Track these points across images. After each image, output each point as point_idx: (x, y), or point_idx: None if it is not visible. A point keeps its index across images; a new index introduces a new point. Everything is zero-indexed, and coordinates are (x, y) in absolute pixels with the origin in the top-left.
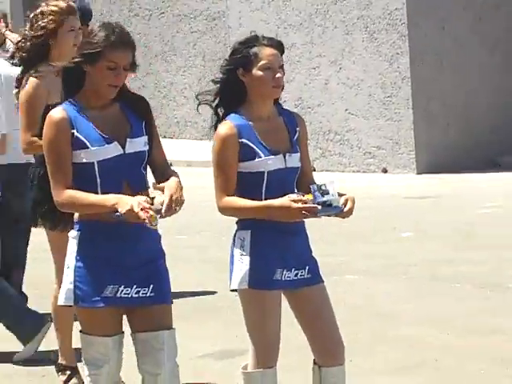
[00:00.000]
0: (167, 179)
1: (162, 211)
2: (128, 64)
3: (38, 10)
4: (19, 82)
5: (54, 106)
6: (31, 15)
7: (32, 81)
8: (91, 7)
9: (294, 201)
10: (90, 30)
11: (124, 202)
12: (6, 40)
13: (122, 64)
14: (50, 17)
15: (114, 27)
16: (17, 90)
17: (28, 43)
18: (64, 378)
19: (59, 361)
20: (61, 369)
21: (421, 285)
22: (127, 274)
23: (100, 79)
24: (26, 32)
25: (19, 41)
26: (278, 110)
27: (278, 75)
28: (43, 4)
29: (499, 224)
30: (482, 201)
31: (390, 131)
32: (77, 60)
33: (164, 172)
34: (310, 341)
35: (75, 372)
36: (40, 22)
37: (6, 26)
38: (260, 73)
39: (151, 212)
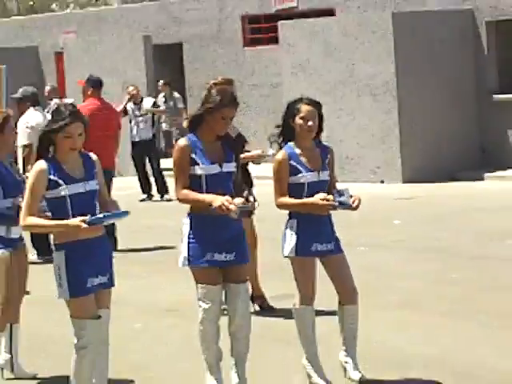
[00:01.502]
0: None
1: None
2: (233, 117)
3: (212, 82)
4: None
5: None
6: (208, 86)
7: None
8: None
9: (321, 199)
10: (210, 93)
11: (217, 200)
12: (143, 102)
13: (229, 116)
14: (219, 86)
15: (227, 91)
16: None
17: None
18: (257, 303)
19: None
20: (254, 297)
21: (409, 253)
22: (220, 245)
23: (215, 124)
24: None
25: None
26: (316, 143)
27: (310, 123)
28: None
29: (458, 213)
30: (446, 200)
31: (386, 157)
32: (201, 112)
33: (237, 185)
34: (337, 288)
35: (264, 298)
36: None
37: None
38: (300, 121)
39: (235, 206)
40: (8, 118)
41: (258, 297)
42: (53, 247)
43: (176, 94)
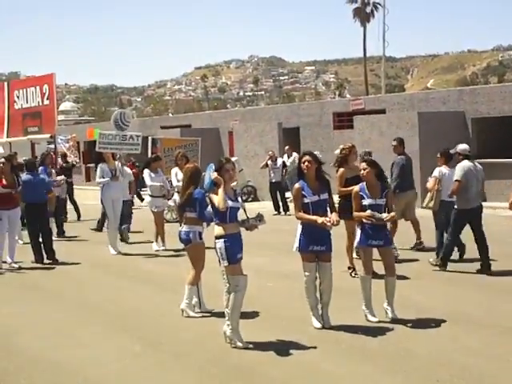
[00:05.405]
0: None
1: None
2: (312, 167)
3: (341, 146)
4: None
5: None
6: (341, 148)
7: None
8: None
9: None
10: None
11: (320, 219)
12: (277, 160)
13: (310, 168)
14: (346, 150)
15: (303, 155)
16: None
17: (339, 158)
18: (350, 271)
19: (348, 265)
20: (349, 268)
21: None
22: (316, 240)
23: (306, 171)
24: (339, 154)
25: (338, 157)
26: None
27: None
28: (343, 145)
29: None
30: None
31: None
32: (299, 167)
33: (331, 207)
34: (384, 265)
35: (354, 269)
36: (344, 151)
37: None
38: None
39: (330, 223)
40: (196, 167)
41: (351, 268)
42: (216, 238)
43: (294, 154)
